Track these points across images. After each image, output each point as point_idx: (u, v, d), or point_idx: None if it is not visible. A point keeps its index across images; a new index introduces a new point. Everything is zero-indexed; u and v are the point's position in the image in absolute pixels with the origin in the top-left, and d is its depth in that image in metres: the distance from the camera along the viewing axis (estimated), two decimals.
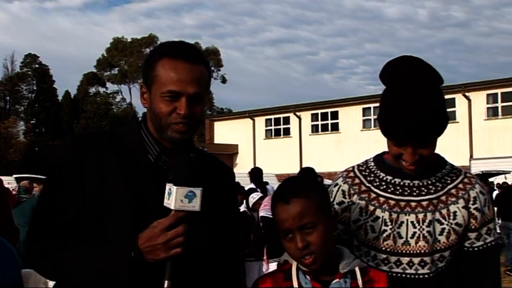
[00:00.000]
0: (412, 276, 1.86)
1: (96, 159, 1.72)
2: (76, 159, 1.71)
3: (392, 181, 1.93)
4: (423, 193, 1.90)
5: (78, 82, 60.62)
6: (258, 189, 8.75)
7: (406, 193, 1.91)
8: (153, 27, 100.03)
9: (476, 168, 22.43)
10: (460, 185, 1.92)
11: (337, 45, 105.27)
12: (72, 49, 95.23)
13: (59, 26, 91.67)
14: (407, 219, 1.88)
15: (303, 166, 16.28)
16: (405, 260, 1.87)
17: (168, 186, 1.59)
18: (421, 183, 1.91)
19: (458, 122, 26.54)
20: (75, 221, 1.69)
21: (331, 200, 1.95)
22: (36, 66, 57.88)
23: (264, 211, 7.54)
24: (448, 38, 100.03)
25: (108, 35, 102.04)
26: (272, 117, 34.29)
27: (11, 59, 57.05)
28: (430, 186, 1.91)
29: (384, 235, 1.89)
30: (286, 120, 33.67)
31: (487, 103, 26.92)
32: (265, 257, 7.67)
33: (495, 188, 16.37)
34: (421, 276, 1.86)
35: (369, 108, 29.30)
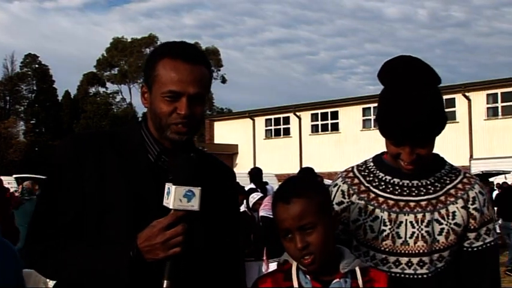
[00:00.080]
0: (411, 276, 1.86)
1: (96, 159, 1.72)
2: (76, 159, 1.72)
3: (392, 181, 1.93)
4: (422, 193, 1.90)
5: (78, 82, 60.71)
6: (258, 189, 8.75)
7: (405, 193, 1.91)
8: (153, 27, 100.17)
9: (476, 168, 22.44)
10: (459, 185, 1.92)
11: (337, 45, 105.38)
12: (72, 49, 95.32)
13: (59, 26, 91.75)
14: (406, 219, 1.89)
15: (303, 166, 16.26)
16: (404, 260, 1.87)
17: (167, 185, 1.59)
18: (420, 183, 1.91)
19: (458, 122, 26.55)
20: (75, 221, 1.69)
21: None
22: (36, 66, 57.87)
23: (264, 211, 7.54)
24: (448, 38, 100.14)
25: (108, 35, 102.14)
26: (272, 117, 34.29)
27: (11, 59, 57.13)
28: (429, 186, 1.91)
29: (383, 235, 1.89)
30: (286, 120, 33.68)
31: (487, 103, 26.92)
32: (264, 257, 7.67)
33: (495, 188, 16.37)
34: (419, 276, 1.86)
35: (369, 108, 29.31)
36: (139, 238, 1.59)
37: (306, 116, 32.72)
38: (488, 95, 26.91)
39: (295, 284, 1.72)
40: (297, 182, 1.79)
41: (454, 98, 26.68)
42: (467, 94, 27.03)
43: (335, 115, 31.84)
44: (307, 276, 1.73)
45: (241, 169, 21.69)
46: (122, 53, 58.32)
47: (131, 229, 1.62)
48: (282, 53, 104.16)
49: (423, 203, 1.89)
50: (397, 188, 1.92)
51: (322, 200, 1.73)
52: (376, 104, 1.91)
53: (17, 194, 10.17)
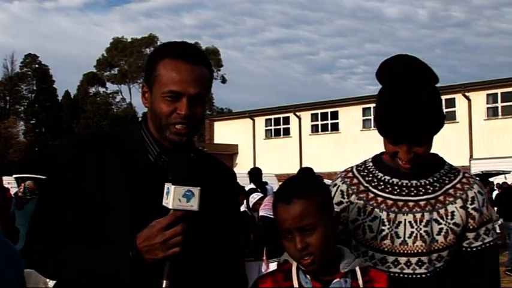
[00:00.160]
0: (410, 276, 1.86)
1: (96, 159, 1.72)
2: (76, 159, 1.72)
3: (391, 181, 1.93)
4: (421, 193, 1.90)
5: (78, 82, 60.71)
6: (259, 189, 8.75)
7: (404, 193, 1.91)
8: (153, 27, 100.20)
9: (476, 168, 22.45)
10: (458, 185, 1.92)
11: (337, 45, 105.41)
12: (72, 49, 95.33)
13: (59, 26, 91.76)
14: (405, 219, 1.89)
15: (303, 166, 16.26)
16: (403, 259, 1.88)
17: (166, 185, 1.60)
18: (419, 183, 1.91)
19: (458, 122, 26.55)
20: (75, 221, 1.69)
21: None
22: (36, 66, 57.86)
23: (264, 211, 7.54)
24: (447, 38, 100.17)
25: (108, 35, 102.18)
26: (272, 117, 34.28)
27: (11, 59, 57.14)
28: (428, 186, 1.91)
29: (382, 235, 1.89)
30: (286, 120, 33.67)
31: (487, 103, 26.91)
32: (264, 257, 7.66)
33: (495, 188, 16.38)
34: (418, 276, 1.86)
35: (369, 108, 29.29)
36: (138, 238, 1.59)
37: (306, 116, 32.71)
38: (488, 95, 26.90)
39: (296, 284, 1.72)
40: (298, 182, 1.79)
41: (454, 98, 26.68)
42: (467, 94, 27.02)
43: (335, 115, 31.84)
44: (308, 276, 1.73)
45: (241, 169, 21.68)
46: (122, 53, 58.30)
47: (131, 229, 1.63)
48: (282, 53, 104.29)
49: (422, 203, 1.89)
50: (396, 188, 1.92)
51: (323, 200, 1.72)
52: None
53: (20, 194, 10.15)
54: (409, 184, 1.91)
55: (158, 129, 1.75)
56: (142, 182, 1.72)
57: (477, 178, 2.03)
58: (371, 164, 2.01)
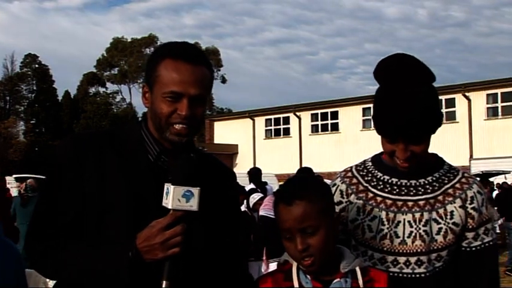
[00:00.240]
0: (409, 276, 1.87)
1: (96, 159, 1.72)
2: (76, 159, 1.72)
3: (390, 181, 1.94)
4: (420, 193, 1.90)
5: (78, 82, 60.71)
6: (259, 189, 8.76)
7: (403, 193, 1.91)
8: (153, 27, 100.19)
9: (476, 168, 22.45)
10: (458, 185, 1.92)
11: (336, 45, 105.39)
12: (72, 49, 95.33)
13: (59, 26, 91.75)
14: (404, 219, 1.89)
15: (302, 166, 16.25)
16: (402, 259, 1.88)
17: (166, 185, 1.60)
18: (418, 183, 1.91)
19: (458, 122, 26.54)
20: (75, 221, 1.69)
21: None
22: (36, 66, 57.87)
23: (264, 210, 7.54)
24: (447, 38, 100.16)
25: (107, 35, 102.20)
26: (272, 117, 34.27)
27: (11, 59, 57.13)
28: (427, 186, 1.91)
29: (381, 234, 1.90)
30: (286, 120, 33.66)
31: (487, 103, 26.90)
32: (264, 257, 7.66)
33: (495, 188, 16.38)
34: (417, 276, 1.86)
35: (369, 108, 29.25)
36: (138, 238, 1.59)
37: (305, 116, 32.70)
38: (488, 95, 26.88)
39: (296, 284, 1.72)
40: (299, 183, 1.78)
41: (454, 98, 26.66)
42: (467, 94, 27.01)
43: (335, 115, 31.83)
44: (308, 276, 1.73)
45: (241, 169, 21.67)
46: (121, 53, 58.28)
47: (131, 229, 1.63)
48: (281, 53, 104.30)
49: (421, 203, 1.89)
50: (395, 187, 1.92)
51: (324, 202, 1.72)
52: None
53: (22, 192, 10.16)
54: (408, 184, 1.92)
55: (158, 129, 1.75)
56: (142, 182, 1.72)
57: (477, 178, 2.03)
58: (370, 163, 2.01)
